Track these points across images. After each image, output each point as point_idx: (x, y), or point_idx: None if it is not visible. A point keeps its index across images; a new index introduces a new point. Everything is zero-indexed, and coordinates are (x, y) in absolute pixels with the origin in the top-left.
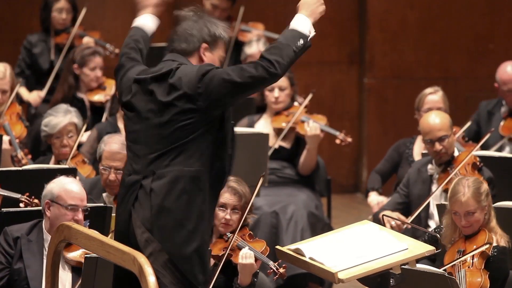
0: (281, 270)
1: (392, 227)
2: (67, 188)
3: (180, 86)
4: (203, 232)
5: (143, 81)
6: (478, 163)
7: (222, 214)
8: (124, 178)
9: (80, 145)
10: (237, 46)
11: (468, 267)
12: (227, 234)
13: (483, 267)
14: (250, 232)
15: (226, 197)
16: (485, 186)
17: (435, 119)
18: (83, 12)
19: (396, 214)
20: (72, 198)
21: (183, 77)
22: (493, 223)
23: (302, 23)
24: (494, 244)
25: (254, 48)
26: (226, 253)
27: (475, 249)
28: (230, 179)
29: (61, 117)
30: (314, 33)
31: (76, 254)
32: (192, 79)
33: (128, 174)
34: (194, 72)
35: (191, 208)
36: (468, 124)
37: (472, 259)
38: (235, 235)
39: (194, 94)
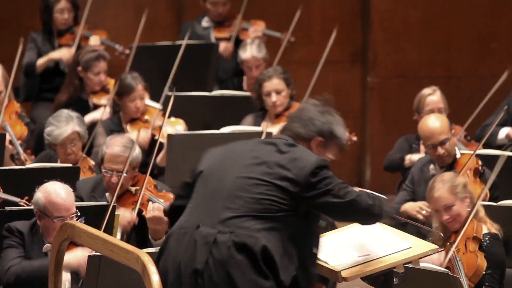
0: None
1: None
2: (52, 200)
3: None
4: None
5: None
6: (480, 168)
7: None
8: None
9: (88, 149)
10: (238, 45)
11: (463, 253)
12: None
13: (477, 249)
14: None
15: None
16: (460, 179)
17: (434, 123)
18: (87, 9)
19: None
20: (58, 211)
21: (298, 160)
22: (482, 213)
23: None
24: (486, 231)
25: (248, 53)
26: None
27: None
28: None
29: (63, 126)
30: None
31: None
32: (306, 167)
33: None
34: (311, 162)
35: None
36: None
37: (465, 245)
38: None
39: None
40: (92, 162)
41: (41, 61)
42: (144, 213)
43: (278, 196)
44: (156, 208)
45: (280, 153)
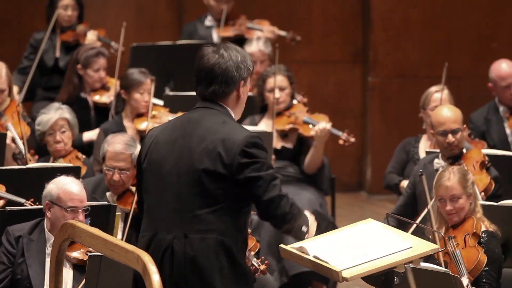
0: (262, 267)
1: None
2: (66, 189)
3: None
4: None
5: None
6: (486, 162)
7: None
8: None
9: (78, 143)
10: (242, 43)
11: (462, 248)
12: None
13: (477, 244)
14: None
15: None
16: (471, 176)
17: (449, 111)
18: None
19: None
20: (72, 200)
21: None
22: (480, 213)
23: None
24: (484, 229)
25: (254, 47)
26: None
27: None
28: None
29: (52, 113)
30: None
31: (77, 253)
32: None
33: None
34: (239, 143)
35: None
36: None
37: (464, 240)
38: None
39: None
40: (81, 155)
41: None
42: None
43: (220, 184)
44: None
45: (211, 133)
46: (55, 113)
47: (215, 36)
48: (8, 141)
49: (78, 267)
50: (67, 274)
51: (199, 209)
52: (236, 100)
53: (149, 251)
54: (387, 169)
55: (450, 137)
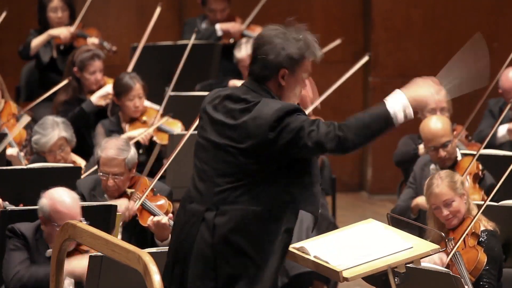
0: None
1: None
2: (57, 209)
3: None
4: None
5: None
6: (480, 173)
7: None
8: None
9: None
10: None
11: (462, 249)
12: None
13: (476, 244)
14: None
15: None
16: (458, 176)
17: (436, 125)
18: (84, 9)
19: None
20: (62, 219)
21: (257, 118)
22: (474, 212)
23: (395, 102)
24: (483, 228)
25: (243, 52)
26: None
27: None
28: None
29: (49, 134)
30: (404, 119)
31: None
32: (264, 124)
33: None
34: (269, 116)
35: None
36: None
37: (464, 241)
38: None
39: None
40: (81, 162)
41: (40, 38)
42: (138, 217)
43: (250, 160)
44: (155, 224)
45: (246, 111)
46: (53, 133)
47: (218, 28)
48: (13, 152)
49: None
50: (68, 279)
51: (232, 182)
52: (278, 87)
53: (182, 219)
54: (395, 152)
55: (441, 152)
